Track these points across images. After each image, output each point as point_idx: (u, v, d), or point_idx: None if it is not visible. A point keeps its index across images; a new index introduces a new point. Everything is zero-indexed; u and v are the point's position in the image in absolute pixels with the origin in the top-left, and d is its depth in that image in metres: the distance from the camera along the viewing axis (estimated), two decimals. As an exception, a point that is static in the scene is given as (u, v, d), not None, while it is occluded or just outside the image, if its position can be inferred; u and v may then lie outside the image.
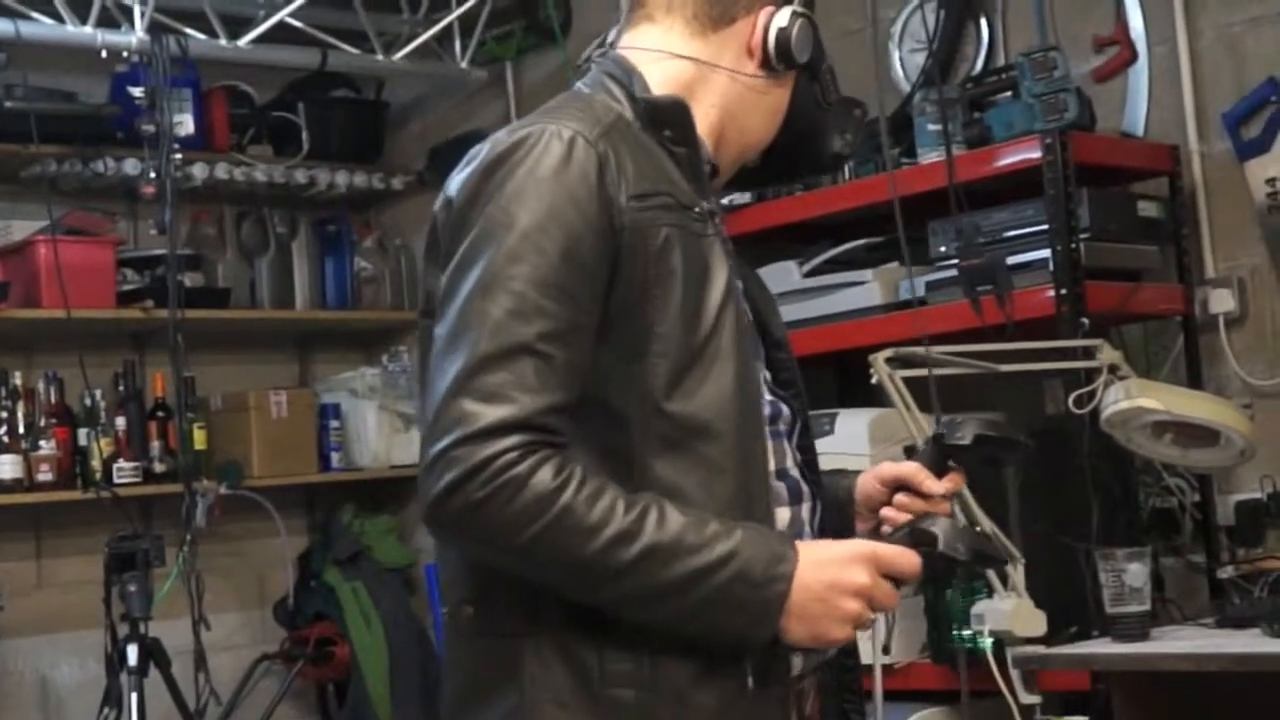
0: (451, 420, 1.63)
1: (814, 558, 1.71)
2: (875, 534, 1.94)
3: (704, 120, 1.87)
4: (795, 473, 1.89)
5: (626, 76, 1.86)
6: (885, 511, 1.95)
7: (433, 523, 1.67)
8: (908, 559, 1.75)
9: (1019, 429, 2.00)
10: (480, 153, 1.77)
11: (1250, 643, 2.85)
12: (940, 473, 1.95)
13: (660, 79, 1.86)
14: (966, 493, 2.66)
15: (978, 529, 2.59)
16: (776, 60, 1.89)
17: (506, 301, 1.65)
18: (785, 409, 1.90)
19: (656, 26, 1.90)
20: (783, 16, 1.89)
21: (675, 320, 1.73)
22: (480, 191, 1.72)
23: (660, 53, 1.88)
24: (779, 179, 2.05)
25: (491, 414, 1.62)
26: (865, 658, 2.04)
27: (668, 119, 1.83)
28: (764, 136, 1.94)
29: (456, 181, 1.77)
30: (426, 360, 1.78)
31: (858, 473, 2.04)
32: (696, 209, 1.80)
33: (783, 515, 1.84)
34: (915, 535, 1.78)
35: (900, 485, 1.96)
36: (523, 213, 1.68)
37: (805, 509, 1.89)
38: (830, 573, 1.70)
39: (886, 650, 3.27)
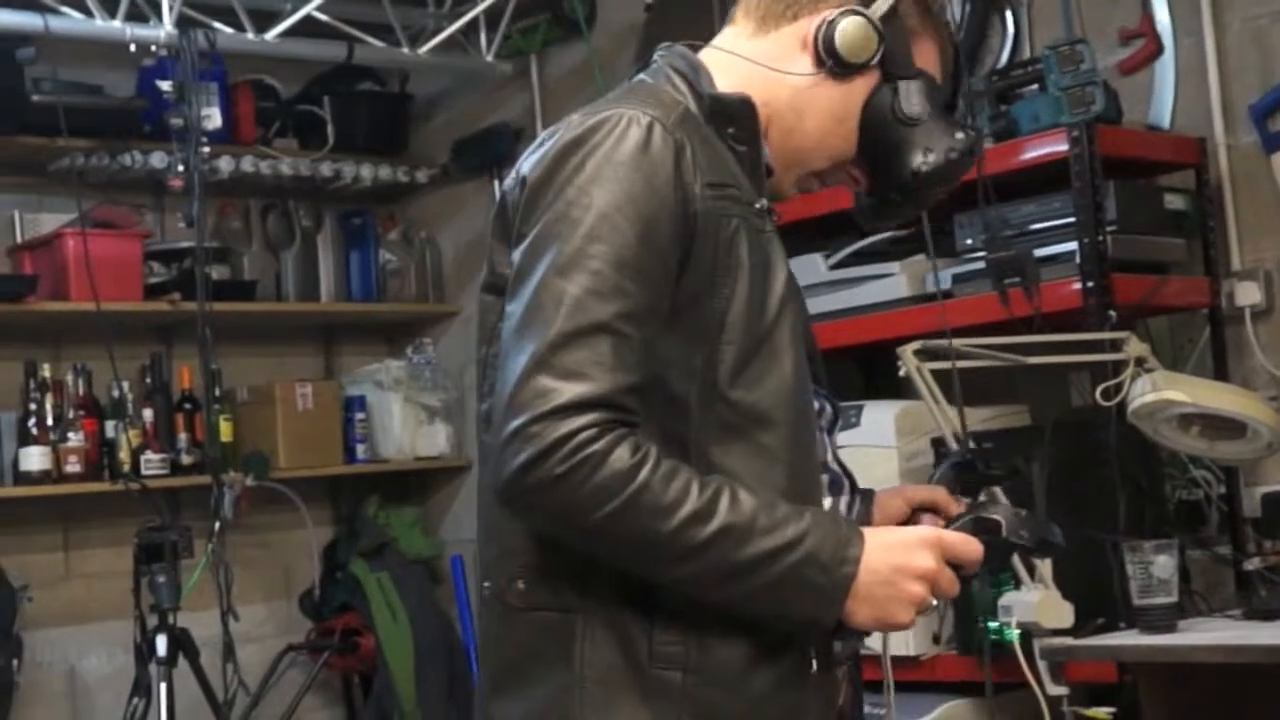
0: (530, 396, 1.62)
1: (881, 542, 1.71)
2: None
3: None
4: (835, 466, 1.92)
5: (692, 71, 1.85)
6: None
7: (509, 498, 1.66)
8: (972, 546, 1.76)
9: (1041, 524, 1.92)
10: (555, 134, 1.76)
11: (1277, 634, 2.85)
12: (955, 494, 2.00)
13: (718, 76, 1.85)
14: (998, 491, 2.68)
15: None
16: (826, 57, 1.85)
17: (585, 280, 1.65)
18: (827, 405, 1.92)
19: (734, 27, 1.91)
20: (842, 16, 1.84)
21: (742, 309, 1.73)
22: (557, 172, 1.72)
23: (719, 50, 1.89)
24: (886, 211, 1.92)
25: (570, 391, 1.62)
26: (876, 647, 2.05)
27: (734, 116, 1.82)
28: (820, 141, 1.89)
29: (530, 162, 1.77)
30: (486, 335, 1.80)
31: (871, 492, 2.06)
32: (757, 205, 1.80)
33: (825, 506, 1.85)
34: (978, 523, 1.79)
35: (924, 507, 1.99)
36: (601, 194, 1.68)
37: (843, 501, 1.92)
38: (897, 556, 1.71)
39: (936, 640, 3.28)
